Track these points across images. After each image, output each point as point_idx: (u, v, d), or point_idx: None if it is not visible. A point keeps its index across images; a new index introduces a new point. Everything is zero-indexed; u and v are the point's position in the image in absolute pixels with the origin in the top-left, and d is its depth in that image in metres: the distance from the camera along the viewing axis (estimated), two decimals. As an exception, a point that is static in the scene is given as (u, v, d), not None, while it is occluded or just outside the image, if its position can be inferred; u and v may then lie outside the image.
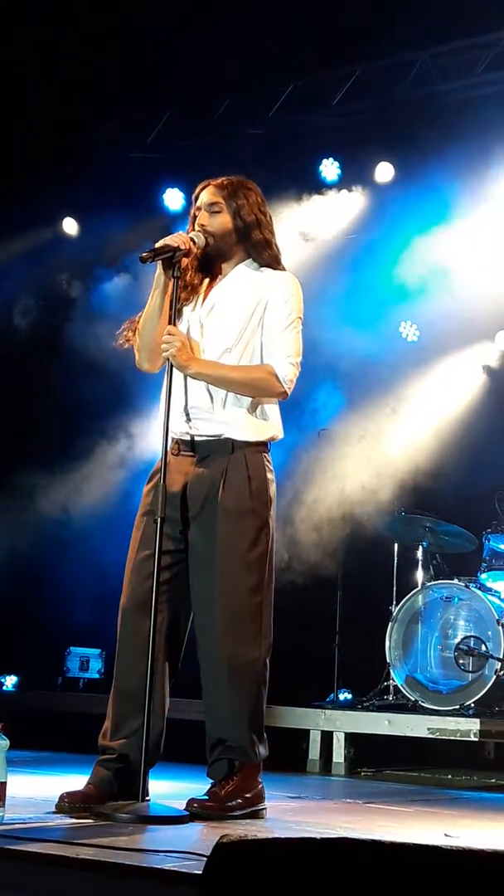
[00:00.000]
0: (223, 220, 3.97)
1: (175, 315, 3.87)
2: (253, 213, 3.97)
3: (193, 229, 3.99)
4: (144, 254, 3.86)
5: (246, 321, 3.92)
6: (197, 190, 4.06)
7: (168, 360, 3.85)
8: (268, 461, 3.97)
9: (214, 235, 3.96)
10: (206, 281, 4.04)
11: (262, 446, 3.96)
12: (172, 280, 3.86)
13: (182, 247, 3.85)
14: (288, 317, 3.94)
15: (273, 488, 3.97)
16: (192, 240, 3.91)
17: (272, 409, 4.00)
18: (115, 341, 4.10)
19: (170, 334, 3.85)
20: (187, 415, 3.93)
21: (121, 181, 8.78)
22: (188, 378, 3.92)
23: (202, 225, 3.97)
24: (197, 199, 4.03)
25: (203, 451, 3.92)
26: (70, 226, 9.07)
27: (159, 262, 3.88)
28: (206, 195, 4.00)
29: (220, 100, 8.56)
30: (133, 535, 3.92)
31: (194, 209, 4.04)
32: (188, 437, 3.94)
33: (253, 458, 3.90)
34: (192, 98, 8.55)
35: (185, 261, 3.91)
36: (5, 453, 8.53)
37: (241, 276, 4.00)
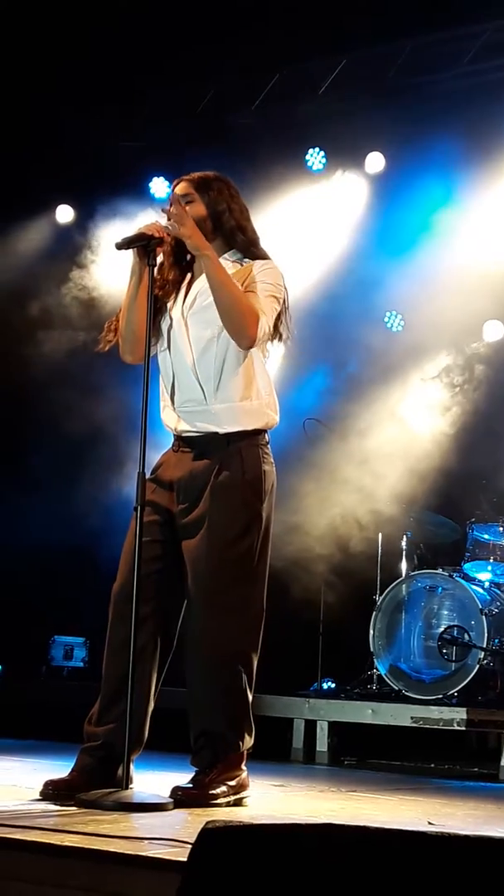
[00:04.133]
0: (197, 209, 3.95)
1: (152, 303, 3.85)
2: (225, 201, 3.97)
3: None
4: (119, 241, 3.87)
5: None
6: (172, 187, 4.07)
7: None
8: (265, 453, 3.96)
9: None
10: (188, 277, 4.02)
11: (259, 436, 3.94)
12: (148, 268, 3.85)
13: (156, 235, 3.84)
14: (267, 289, 3.89)
15: (270, 480, 3.95)
16: (166, 228, 3.88)
17: (267, 390, 3.97)
18: (97, 346, 4.10)
19: (179, 213, 3.80)
20: (181, 410, 3.94)
21: (111, 169, 8.73)
22: (176, 373, 3.92)
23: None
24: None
25: (199, 447, 3.92)
26: (65, 213, 9.03)
27: (134, 251, 3.88)
28: (178, 189, 4.01)
29: (206, 89, 8.53)
30: (130, 525, 3.90)
31: (168, 204, 4.03)
32: (184, 434, 3.95)
33: (248, 452, 3.89)
34: (178, 87, 8.52)
35: (159, 249, 3.90)
36: (10, 441, 8.51)
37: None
